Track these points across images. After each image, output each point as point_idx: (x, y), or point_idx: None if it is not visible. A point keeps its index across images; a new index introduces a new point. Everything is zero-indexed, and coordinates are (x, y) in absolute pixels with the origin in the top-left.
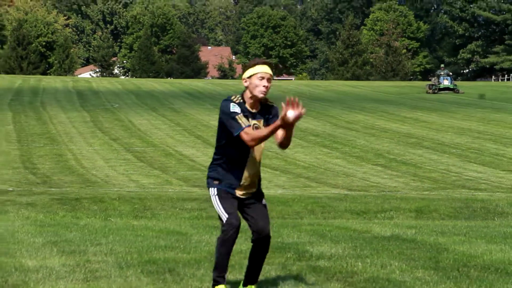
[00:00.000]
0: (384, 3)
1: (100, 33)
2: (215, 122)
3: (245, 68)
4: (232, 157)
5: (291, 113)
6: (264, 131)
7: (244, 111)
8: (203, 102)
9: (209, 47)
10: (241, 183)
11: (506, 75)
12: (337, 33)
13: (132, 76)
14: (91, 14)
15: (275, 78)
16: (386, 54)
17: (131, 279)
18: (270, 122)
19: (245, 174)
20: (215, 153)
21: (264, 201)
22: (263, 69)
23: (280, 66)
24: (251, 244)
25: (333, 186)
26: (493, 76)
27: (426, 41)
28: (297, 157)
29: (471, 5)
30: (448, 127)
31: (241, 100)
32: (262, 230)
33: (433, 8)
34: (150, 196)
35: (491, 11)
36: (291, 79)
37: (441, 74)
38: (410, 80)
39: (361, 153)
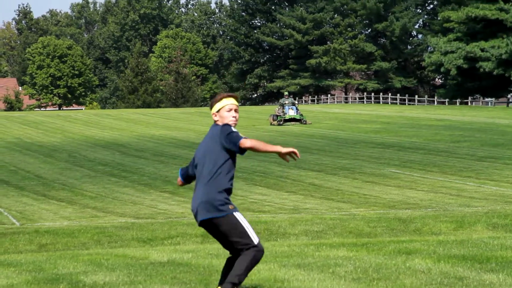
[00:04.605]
0: (171, 30)
1: None
2: (2, 156)
3: (212, 103)
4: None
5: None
6: (262, 145)
7: None
8: None
9: None
10: None
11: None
12: (126, 61)
13: None
14: None
15: (65, 108)
16: (176, 81)
17: None
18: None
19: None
20: (221, 179)
21: None
22: (230, 101)
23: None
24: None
25: (121, 215)
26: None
27: (214, 67)
28: (84, 188)
29: (255, 31)
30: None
31: None
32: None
33: (219, 34)
34: None
35: (274, 36)
36: (82, 109)
37: (285, 103)
38: (201, 106)
39: (149, 180)
